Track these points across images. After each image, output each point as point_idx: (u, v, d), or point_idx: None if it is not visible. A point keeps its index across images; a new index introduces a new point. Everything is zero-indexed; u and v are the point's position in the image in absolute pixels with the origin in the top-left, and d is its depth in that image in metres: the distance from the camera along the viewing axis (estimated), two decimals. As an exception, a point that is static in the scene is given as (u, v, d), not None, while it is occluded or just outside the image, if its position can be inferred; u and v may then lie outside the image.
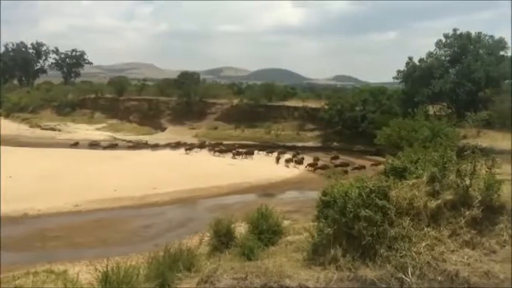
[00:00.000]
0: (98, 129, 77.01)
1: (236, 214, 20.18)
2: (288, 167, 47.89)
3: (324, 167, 45.01)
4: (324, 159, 51.42)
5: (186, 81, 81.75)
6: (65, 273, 18.55)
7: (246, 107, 73.45)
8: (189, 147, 56.92)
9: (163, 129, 74.20)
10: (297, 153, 53.29)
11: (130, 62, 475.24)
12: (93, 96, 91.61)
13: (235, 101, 76.40)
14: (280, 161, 49.60)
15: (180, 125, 74.18)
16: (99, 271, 8.74)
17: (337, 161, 48.98)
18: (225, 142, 61.57)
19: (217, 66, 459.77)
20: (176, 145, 58.88)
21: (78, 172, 39.81)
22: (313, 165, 46.96)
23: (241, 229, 17.20)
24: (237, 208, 29.35)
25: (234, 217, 17.31)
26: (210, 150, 55.96)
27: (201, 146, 58.38)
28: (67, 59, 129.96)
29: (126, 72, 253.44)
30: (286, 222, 18.18)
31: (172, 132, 70.40)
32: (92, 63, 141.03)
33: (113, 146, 59.26)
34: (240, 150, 54.58)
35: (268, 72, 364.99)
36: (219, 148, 56.36)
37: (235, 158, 51.81)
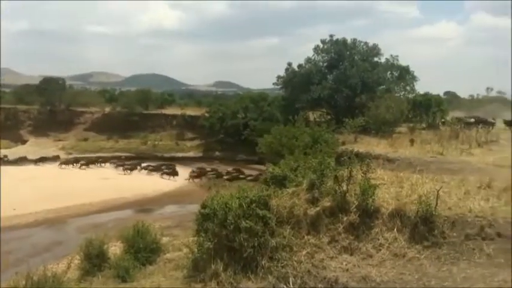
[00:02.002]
0: None
1: (110, 233, 19.65)
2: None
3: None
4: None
5: (50, 87, 77.20)
6: None
7: (120, 116, 71.49)
8: (54, 160, 54.15)
9: (23, 142, 69.46)
10: (214, 170, 51.90)
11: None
12: None
13: (108, 109, 74.07)
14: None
15: (43, 136, 70.08)
16: None
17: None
18: (96, 155, 59.42)
19: (86, 71, 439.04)
20: (40, 159, 55.46)
21: None
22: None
23: (115, 249, 16.81)
24: (112, 226, 28.44)
25: (108, 236, 16.87)
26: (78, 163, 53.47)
27: (75, 160, 55.65)
28: None
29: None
30: (165, 239, 18.10)
31: (34, 145, 66.24)
32: None
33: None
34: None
35: (143, 78, 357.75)
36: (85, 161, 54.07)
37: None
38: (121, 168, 51.20)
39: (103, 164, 54.42)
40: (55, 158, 56.37)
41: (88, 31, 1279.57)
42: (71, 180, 44.42)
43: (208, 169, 50.08)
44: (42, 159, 55.01)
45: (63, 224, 32.36)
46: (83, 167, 52.34)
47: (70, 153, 60.61)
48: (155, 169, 50.49)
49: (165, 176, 47.83)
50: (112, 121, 70.83)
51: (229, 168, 50.46)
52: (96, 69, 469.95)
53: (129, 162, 54.29)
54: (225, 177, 45.32)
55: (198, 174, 47.16)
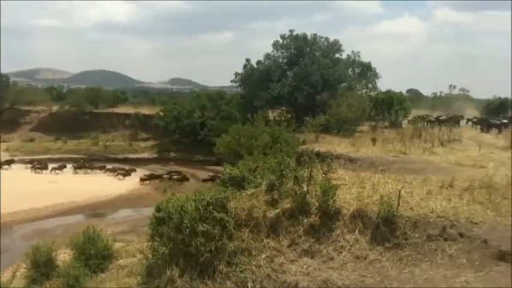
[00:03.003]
0: None
1: (58, 240, 19.32)
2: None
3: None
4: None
5: (-8, 85, 75.37)
6: None
7: (68, 115, 70.21)
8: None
9: (-37, 143, 67.27)
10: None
11: None
12: None
13: (55, 108, 72.70)
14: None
15: (-14, 137, 68.03)
16: None
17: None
18: (45, 156, 57.99)
19: (32, 67, 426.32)
20: (7, 162, 53.43)
21: None
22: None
23: (64, 256, 16.51)
24: (60, 233, 28.04)
25: (56, 243, 16.56)
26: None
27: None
28: None
29: None
30: (118, 245, 17.90)
31: (-24, 146, 64.14)
32: None
33: None
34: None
35: (93, 75, 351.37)
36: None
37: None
38: (114, 173, 49.98)
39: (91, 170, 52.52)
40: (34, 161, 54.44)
41: (33, 24, 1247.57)
42: (17, 183, 43.11)
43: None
44: (9, 162, 53.24)
45: (7, 231, 31.46)
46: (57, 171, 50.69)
47: (15, 155, 58.95)
48: (152, 177, 48.14)
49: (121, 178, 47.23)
50: (60, 120, 69.44)
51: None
52: (42, 65, 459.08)
53: (122, 166, 52.80)
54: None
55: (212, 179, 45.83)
